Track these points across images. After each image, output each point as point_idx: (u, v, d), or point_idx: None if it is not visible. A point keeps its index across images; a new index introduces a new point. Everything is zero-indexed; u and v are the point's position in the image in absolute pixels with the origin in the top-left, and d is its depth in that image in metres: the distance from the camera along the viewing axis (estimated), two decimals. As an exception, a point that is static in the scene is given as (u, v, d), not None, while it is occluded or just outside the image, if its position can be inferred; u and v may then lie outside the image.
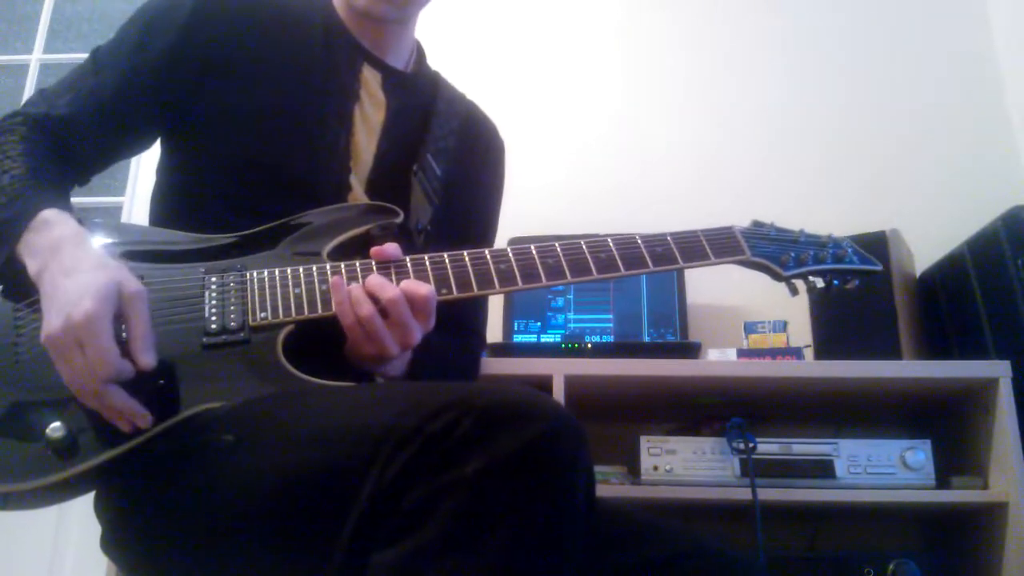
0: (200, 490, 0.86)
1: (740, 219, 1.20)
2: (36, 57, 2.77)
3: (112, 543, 0.96)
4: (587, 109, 2.45)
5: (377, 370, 1.02)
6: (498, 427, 0.70)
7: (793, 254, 1.13)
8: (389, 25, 1.17)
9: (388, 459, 0.72)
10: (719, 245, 1.09)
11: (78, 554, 2.18)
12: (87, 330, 0.83)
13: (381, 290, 0.95)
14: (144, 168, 2.52)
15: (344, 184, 1.13)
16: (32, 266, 0.92)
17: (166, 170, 1.16)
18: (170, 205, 1.13)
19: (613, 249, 1.05)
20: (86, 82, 1.09)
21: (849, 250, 1.17)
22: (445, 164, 1.20)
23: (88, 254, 0.91)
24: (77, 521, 2.19)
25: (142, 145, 1.17)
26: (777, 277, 1.13)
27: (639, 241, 1.06)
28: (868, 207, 2.22)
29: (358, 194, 1.13)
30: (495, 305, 2.05)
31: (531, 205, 2.24)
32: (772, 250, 1.12)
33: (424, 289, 0.95)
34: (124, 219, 2.46)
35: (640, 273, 1.05)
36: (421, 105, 1.22)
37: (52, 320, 0.85)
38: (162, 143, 1.16)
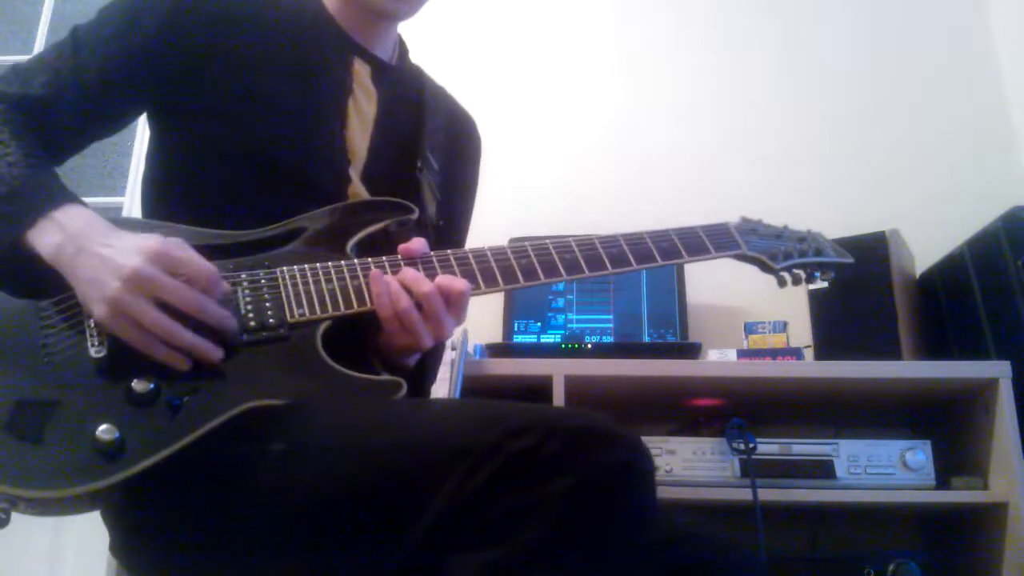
0: (244, 499, 0.84)
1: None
2: (36, 57, 2.77)
3: (124, 549, 0.94)
4: (586, 110, 2.45)
5: (402, 361, 1.03)
6: (585, 450, 0.74)
7: (782, 248, 1.19)
8: (386, 20, 1.18)
9: (469, 472, 0.74)
10: (718, 240, 1.15)
11: (78, 554, 2.18)
12: (175, 252, 0.89)
13: (416, 284, 0.96)
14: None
15: (343, 176, 1.12)
16: (47, 243, 0.91)
17: (158, 158, 1.14)
18: (166, 194, 1.11)
19: (624, 245, 1.09)
20: (65, 63, 1.06)
21: (826, 245, 1.24)
22: (440, 159, 1.22)
23: (117, 231, 0.93)
24: (77, 521, 2.18)
25: (120, 126, 1.16)
26: (768, 270, 1.19)
27: (647, 237, 1.11)
28: (868, 207, 2.22)
29: (356, 186, 1.13)
30: (495, 305, 2.06)
31: (531, 205, 2.24)
32: (763, 244, 1.19)
33: (460, 284, 0.98)
34: (124, 219, 2.46)
35: (649, 267, 1.11)
36: (409, 98, 1.23)
37: (124, 255, 0.88)
38: (151, 129, 1.14)
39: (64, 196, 0.96)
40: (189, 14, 1.09)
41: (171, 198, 1.10)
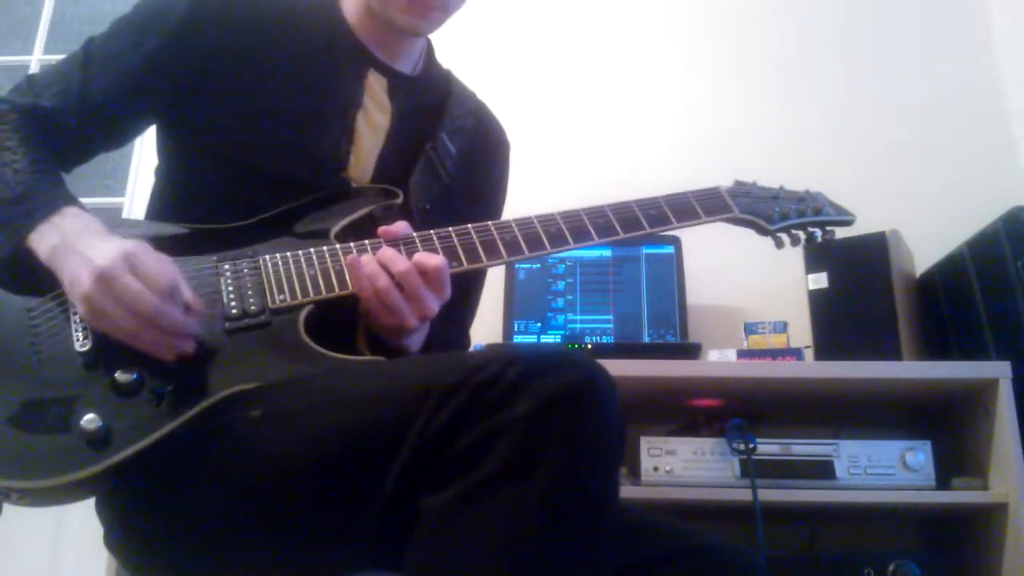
0: (225, 471, 0.86)
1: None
2: (36, 58, 2.77)
3: (116, 541, 0.96)
4: (587, 110, 2.45)
5: (396, 342, 1.04)
6: (543, 373, 0.76)
7: (777, 209, 1.19)
8: (407, 36, 1.17)
9: (433, 410, 0.77)
10: (708, 204, 1.15)
11: (78, 554, 2.18)
12: (140, 253, 0.90)
13: (392, 263, 0.97)
14: (144, 168, 2.52)
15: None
16: (45, 245, 0.93)
17: (164, 172, 1.16)
18: (168, 207, 1.13)
19: (610, 214, 1.09)
20: (75, 76, 1.08)
21: (825, 203, 1.24)
22: (461, 142, 1.22)
23: (108, 234, 0.95)
24: (77, 521, 2.19)
25: (127, 139, 1.17)
26: (763, 232, 1.19)
27: (634, 205, 1.11)
28: (868, 207, 2.21)
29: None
30: (496, 305, 2.06)
31: (531, 207, 2.24)
32: (757, 206, 1.18)
33: (435, 260, 0.98)
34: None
35: (638, 235, 1.10)
36: (430, 106, 1.22)
37: (100, 255, 0.89)
38: (158, 144, 1.16)
39: (64, 200, 0.98)
40: (197, 28, 1.09)
41: (173, 209, 1.11)
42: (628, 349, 1.94)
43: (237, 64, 1.10)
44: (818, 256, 1.94)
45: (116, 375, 0.89)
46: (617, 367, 1.67)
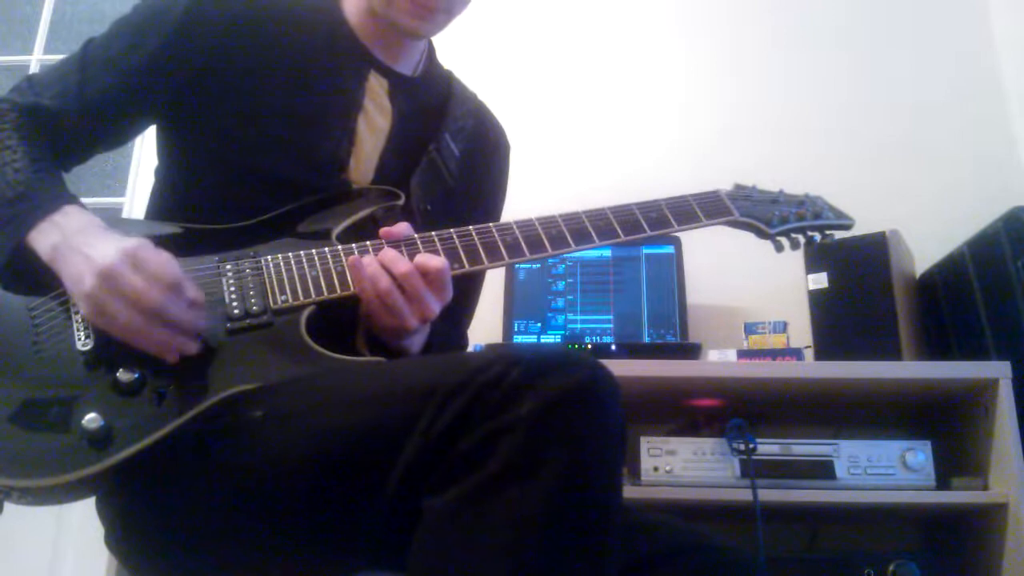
0: (226, 471, 0.87)
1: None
2: (36, 57, 2.77)
3: (116, 541, 0.96)
4: (587, 110, 2.45)
5: (397, 342, 1.04)
6: (546, 373, 0.76)
7: (777, 213, 1.19)
8: (409, 38, 1.17)
9: (437, 411, 0.77)
10: (708, 207, 1.15)
11: (78, 554, 2.18)
12: (142, 251, 0.89)
13: (394, 264, 0.97)
14: (144, 168, 2.52)
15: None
16: (45, 244, 0.93)
17: (164, 172, 1.16)
18: (168, 207, 1.13)
19: (611, 217, 1.09)
20: (73, 78, 1.09)
21: (824, 207, 1.24)
22: (463, 143, 1.22)
23: (109, 232, 0.94)
24: (77, 521, 2.19)
25: (125, 139, 1.18)
26: (763, 235, 1.19)
27: (635, 208, 1.11)
28: (868, 207, 2.21)
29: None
30: (496, 305, 2.06)
31: (530, 208, 2.24)
32: (757, 210, 1.19)
33: (437, 262, 0.98)
34: (124, 220, 2.47)
35: (639, 238, 1.10)
36: (431, 107, 1.22)
37: (101, 254, 0.88)
38: (158, 144, 1.16)
39: (64, 199, 0.98)
40: (196, 28, 1.09)
41: (172, 210, 1.11)
42: (628, 349, 1.94)
43: (237, 64, 1.10)
44: (818, 256, 1.94)
45: (118, 374, 0.89)
46: (617, 367, 1.68)
